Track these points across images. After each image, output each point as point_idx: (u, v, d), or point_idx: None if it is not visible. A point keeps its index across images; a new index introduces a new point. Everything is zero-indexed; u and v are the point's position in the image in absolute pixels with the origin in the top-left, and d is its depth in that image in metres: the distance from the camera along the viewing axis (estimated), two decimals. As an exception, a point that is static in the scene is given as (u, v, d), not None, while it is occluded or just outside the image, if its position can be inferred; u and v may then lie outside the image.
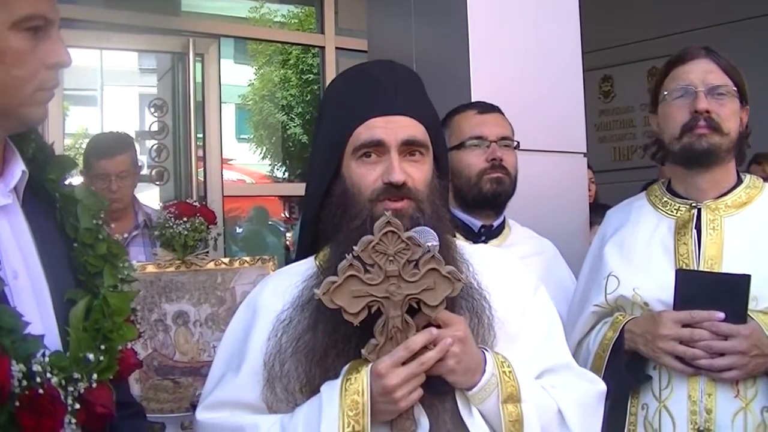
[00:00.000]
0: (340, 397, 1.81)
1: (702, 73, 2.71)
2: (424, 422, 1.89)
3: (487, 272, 2.09)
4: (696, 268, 2.64)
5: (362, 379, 1.82)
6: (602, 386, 2.20)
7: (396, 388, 1.80)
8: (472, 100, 3.55)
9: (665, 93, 2.74)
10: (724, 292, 2.51)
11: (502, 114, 3.23)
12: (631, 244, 2.80)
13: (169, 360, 3.51)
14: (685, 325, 2.52)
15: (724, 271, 2.62)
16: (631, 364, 2.63)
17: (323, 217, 2.08)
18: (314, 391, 1.90)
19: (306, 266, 2.13)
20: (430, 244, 1.89)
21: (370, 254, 1.82)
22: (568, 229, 3.81)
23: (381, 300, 1.83)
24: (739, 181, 2.79)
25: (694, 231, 2.71)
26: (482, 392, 1.92)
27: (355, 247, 1.82)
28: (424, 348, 1.84)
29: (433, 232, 1.94)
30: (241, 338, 2.09)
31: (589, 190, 5.74)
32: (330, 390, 1.85)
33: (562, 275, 3.25)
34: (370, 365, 1.83)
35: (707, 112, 2.65)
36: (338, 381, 1.84)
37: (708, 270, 2.63)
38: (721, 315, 2.49)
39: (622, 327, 2.65)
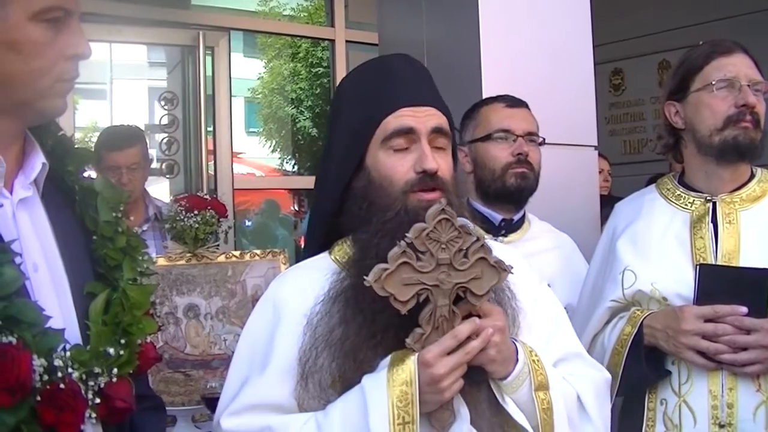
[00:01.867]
0: (388, 388, 1.78)
1: (745, 67, 2.70)
2: (464, 412, 1.88)
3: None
4: (714, 263, 2.63)
5: (410, 368, 1.80)
6: (608, 374, 2.23)
7: (443, 378, 1.79)
8: (483, 92, 3.55)
9: (712, 82, 2.69)
10: (746, 287, 2.51)
11: (529, 109, 3.23)
12: (645, 238, 2.78)
13: (180, 353, 3.52)
14: (707, 320, 2.51)
15: (741, 265, 2.60)
16: (650, 360, 2.62)
17: (345, 210, 2.06)
18: (346, 384, 1.88)
19: (322, 262, 2.11)
20: None
21: (424, 241, 1.80)
22: (578, 222, 3.80)
23: (431, 288, 1.81)
24: (752, 175, 2.79)
25: (711, 225, 2.69)
26: (516, 381, 1.93)
27: (407, 234, 1.80)
28: (468, 337, 1.83)
29: (470, 223, 1.91)
30: (264, 338, 2.04)
31: (607, 181, 5.74)
32: (374, 382, 1.82)
33: (580, 269, 3.24)
34: (416, 355, 1.81)
35: (753, 107, 2.64)
36: (383, 372, 1.82)
37: (726, 264, 2.61)
38: (744, 309, 2.48)
39: (641, 322, 2.64)
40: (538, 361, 1.99)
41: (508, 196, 3.11)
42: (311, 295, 2.00)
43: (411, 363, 1.80)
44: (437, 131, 2.02)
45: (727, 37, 2.85)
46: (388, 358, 1.84)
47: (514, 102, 3.22)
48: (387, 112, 2.01)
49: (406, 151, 2.00)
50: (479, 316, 1.87)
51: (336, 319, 1.93)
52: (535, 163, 3.14)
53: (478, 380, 1.92)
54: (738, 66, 2.69)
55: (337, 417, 1.83)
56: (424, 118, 2.00)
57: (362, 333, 1.89)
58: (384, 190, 1.98)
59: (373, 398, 1.79)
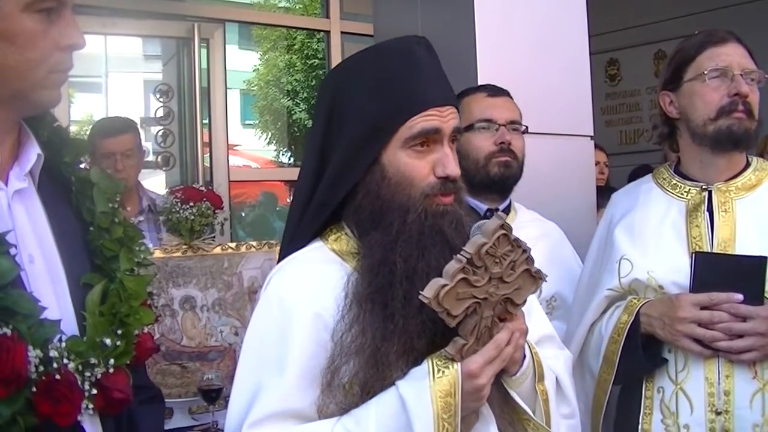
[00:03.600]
0: (433, 400, 1.75)
1: (738, 56, 2.69)
2: (487, 414, 1.90)
3: None
4: (710, 251, 2.63)
5: (453, 379, 1.77)
6: (569, 353, 2.31)
7: (485, 387, 1.81)
8: (479, 83, 3.55)
9: (704, 72, 2.69)
10: (742, 274, 2.51)
11: (511, 98, 3.23)
12: (641, 228, 2.79)
13: (176, 345, 3.52)
14: (703, 308, 2.51)
15: (737, 253, 2.60)
16: (647, 348, 2.62)
17: (350, 202, 1.99)
18: (367, 388, 1.83)
19: (320, 253, 2.03)
20: None
21: (482, 257, 1.78)
22: (575, 212, 3.81)
23: (480, 301, 1.80)
24: (747, 164, 2.79)
25: (706, 213, 2.70)
26: (522, 376, 1.95)
27: (466, 249, 1.78)
28: None
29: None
30: (274, 340, 1.93)
31: (602, 173, 5.73)
32: (416, 392, 1.77)
33: (567, 258, 3.25)
34: (458, 365, 1.78)
35: (745, 96, 2.64)
36: (424, 383, 1.77)
37: (722, 252, 2.62)
38: (740, 297, 2.48)
39: (637, 310, 2.64)
40: (536, 353, 2.02)
41: (492, 185, 3.10)
42: (320, 291, 1.93)
43: (455, 373, 1.77)
44: (456, 131, 1.97)
45: (723, 26, 2.84)
46: (424, 367, 1.80)
47: (495, 91, 3.22)
48: (415, 112, 1.92)
49: (428, 151, 1.93)
50: (504, 320, 1.88)
51: (360, 325, 1.87)
52: (518, 152, 3.14)
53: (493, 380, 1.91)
54: (731, 55, 2.69)
55: (372, 427, 1.79)
56: (447, 117, 1.94)
57: (393, 339, 1.83)
58: (402, 189, 1.92)
59: (417, 410, 1.75)
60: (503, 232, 1.81)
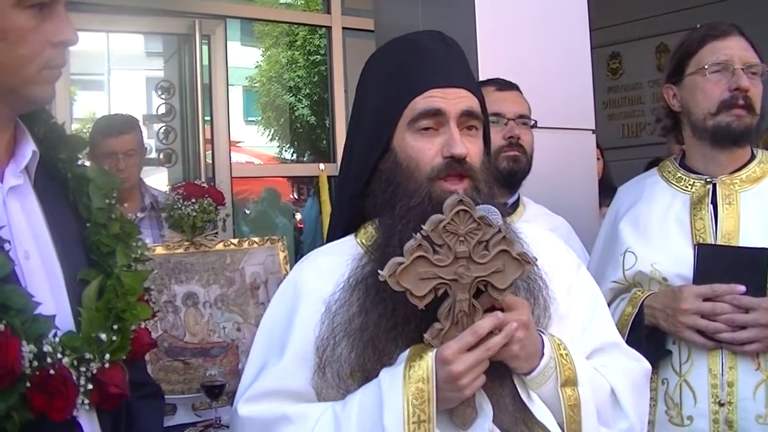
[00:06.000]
0: (404, 385, 1.72)
1: (740, 50, 2.69)
2: (487, 409, 1.82)
3: (534, 251, 1.96)
4: (714, 243, 2.63)
5: (427, 365, 1.73)
6: (648, 365, 2.16)
7: (462, 375, 1.72)
8: (480, 78, 3.54)
9: (704, 66, 2.69)
10: (744, 266, 2.52)
11: (520, 92, 3.21)
12: (646, 221, 2.79)
13: (179, 341, 3.51)
14: (706, 299, 2.51)
15: (741, 245, 2.60)
16: (651, 340, 2.62)
17: (370, 192, 2.00)
18: (366, 374, 1.83)
19: (347, 246, 2.05)
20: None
21: (441, 234, 1.73)
22: (576, 206, 3.80)
23: (449, 282, 1.74)
24: (752, 157, 2.79)
25: (710, 206, 2.70)
26: (541, 376, 1.87)
27: (423, 227, 1.73)
28: (490, 333, 1.76)
29: (496, 210, 1.85)
30: (282, 324, 1.98)
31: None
32: (391, 378, 1.76)
33: (575, 251, 3.23)
34: (434, 351, 1.75)
35: (746, 90, 2.63)
36: (400, 368, 1.75)
37: (725, 244, 2.61)
38: (742, 288, 2.49)
39: (641, 302, 2.65)
40: (566, 355, 1.92)
41: (501, 179, 3.06)
42: (332, 279, 1.94)
43: (429, 359, 1.74)
44: (467, 114, 1.95)
45: (726, 19, 2.85)
46: (407, 352, 1.78)
47: (504, 85, 3.20)
48: (416, 93, 1.94)
49: (435, 133, 1.93)
50: (502, 310, 1.81)
51: (356, 308, 1.87)
52: (527, 146, 3.13)
53: (501, 375, 1.86)
54: (732, 49, 2.69)
55: (355, 411, 1.78)
56: (454, 100, 1.93)
57: (383, 323, 1.82)
58: (410, 173, 1.92)
59: (389, 394, 1.73)
60: (462, 207, 1.74)
